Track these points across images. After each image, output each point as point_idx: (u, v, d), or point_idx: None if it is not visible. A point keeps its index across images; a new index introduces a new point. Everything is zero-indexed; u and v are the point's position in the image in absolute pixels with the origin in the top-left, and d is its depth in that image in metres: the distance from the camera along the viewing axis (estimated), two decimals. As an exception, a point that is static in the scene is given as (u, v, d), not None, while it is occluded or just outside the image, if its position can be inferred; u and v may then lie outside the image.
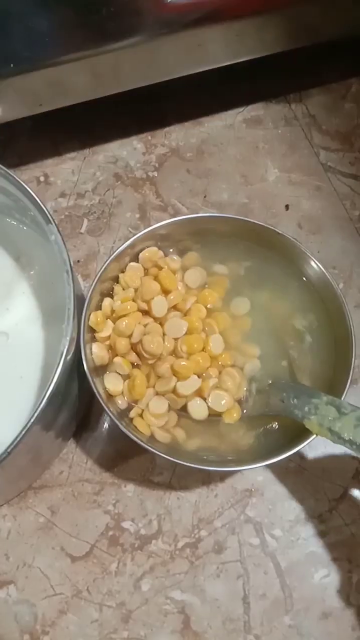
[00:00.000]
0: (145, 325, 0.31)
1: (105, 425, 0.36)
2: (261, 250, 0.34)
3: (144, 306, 0.32)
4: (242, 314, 0.33)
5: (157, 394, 0.31)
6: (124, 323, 0.31)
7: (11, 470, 0.29)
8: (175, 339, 0.31)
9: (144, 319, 0.32)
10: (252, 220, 0.33)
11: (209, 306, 0.33)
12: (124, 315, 0.31)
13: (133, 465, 0.35)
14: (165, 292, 0.32)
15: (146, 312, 0.32)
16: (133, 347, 0.31)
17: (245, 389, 0.32)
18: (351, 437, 0.26)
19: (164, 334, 0.31)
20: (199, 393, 0.31)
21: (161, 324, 0.32)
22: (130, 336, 0.31)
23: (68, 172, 0.43)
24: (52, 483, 0.35)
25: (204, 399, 0.31)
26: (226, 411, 0.31)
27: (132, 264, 0.33)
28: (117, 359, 0.31)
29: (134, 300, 0.32)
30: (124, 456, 0.36)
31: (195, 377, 0.31)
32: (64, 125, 0.43)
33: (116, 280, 0.33)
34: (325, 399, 0.28)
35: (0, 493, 0.33)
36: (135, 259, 0.33)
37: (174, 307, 0.32)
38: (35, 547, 0.34)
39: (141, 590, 0.33)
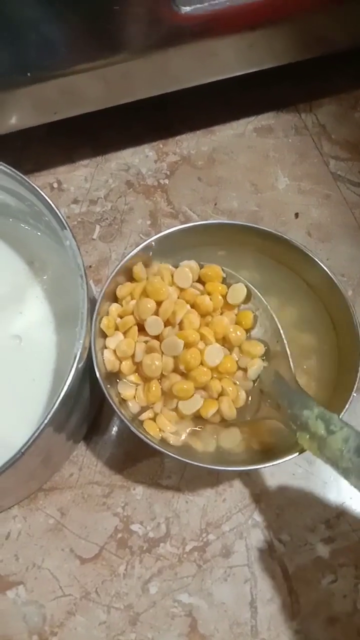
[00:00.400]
0: (145, 342, 0.31)
1: (115, 428, 0.37)
2: (271, 257, 0.35)
3: (142, 322, 0.31)
4: (239, 303, 0.33)
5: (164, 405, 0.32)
6: (124, 345, 0.31)
7: (23, 471, 0.29)
8: (174, 356, 0.31)
9: (144, 336, 0.31)
10: (262, 228, 0.33)
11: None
12: (127, 331, 0.31)
13: (142, 469, 0.36)
14: (157, 303, 0.31)
15: (144, 329, 0.32)
16: (137, 366, 0.31)
17: (249, 396, 0.32)
18: (336, 460, 0.26)
19: (162, 353, 0.31)
20: (200, 413, 0.31)
21: (160, 340, 0.31)
22: (132, 356, 0.31)
23: (81, 179, 0.44)
24: (62, 485, 0.35)
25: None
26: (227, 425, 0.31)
27: (139, 263, 0.33)
28: (129, 377, 0.32)
29: (134, 313, 0.32)
30: (133, 459, 0.36)
31: (198, 396, 0.31)
32: (78, 133, 0.44)
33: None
34: (317, 412, 0.27)
35: (11, 494, 0.33)
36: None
37: (167, 321, 0.31)
38: (45, 549, 0.34)
39: (149, 593, 0.33)
